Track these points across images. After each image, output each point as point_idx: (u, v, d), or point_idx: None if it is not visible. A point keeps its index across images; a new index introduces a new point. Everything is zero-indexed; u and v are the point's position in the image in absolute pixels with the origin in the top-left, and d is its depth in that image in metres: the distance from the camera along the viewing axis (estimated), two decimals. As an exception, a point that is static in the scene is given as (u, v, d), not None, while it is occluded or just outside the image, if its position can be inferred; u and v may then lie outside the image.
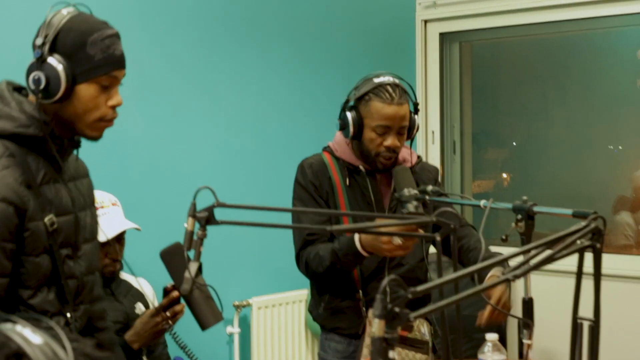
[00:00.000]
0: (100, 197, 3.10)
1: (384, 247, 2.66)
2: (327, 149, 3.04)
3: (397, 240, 2.62)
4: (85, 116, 2.12)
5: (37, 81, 2.06)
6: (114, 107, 2.14)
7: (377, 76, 2.89)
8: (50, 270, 2.10)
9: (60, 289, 2.13)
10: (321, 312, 2.98)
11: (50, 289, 2.11)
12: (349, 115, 2.88)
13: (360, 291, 2.90)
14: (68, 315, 2.16)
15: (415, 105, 2.98)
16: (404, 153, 3.01)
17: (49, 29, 2.07)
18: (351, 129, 2.88)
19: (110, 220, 3.07)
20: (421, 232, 2.45)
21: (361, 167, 2.95)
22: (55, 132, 2.11)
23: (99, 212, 3.06)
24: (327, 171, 2.95)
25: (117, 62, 2.12)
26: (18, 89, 2.16)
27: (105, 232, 3.04)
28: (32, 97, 2.10)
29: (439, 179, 3.14)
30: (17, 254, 2.04)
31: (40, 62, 2.06)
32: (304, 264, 2.91)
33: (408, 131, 2.93)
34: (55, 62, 2.06)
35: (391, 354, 1.25)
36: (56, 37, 2.06)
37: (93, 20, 2.11)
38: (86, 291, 2.23)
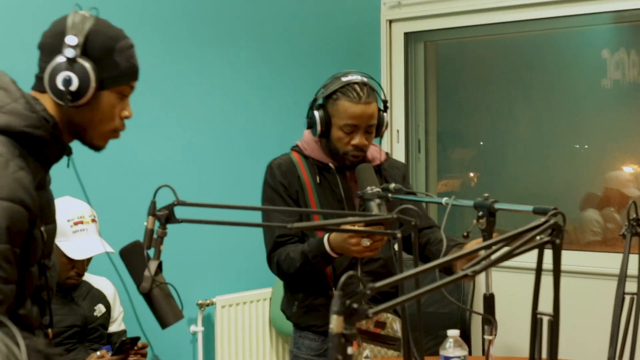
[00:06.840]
0: (82, 209, 3.06)
1: (353, 249, 2.65)
2: (295, 148, 3.03)
3: (366, 242, 2.61)
4: (100, 125, 2.04)
5: (67, 81, 1.93)
6: (123, 119, 2.09)
7: (346, 75, 2.90)
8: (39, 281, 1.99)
9: (42, 301, 2.03)
10: (295, 310, 2.96)
11: (33, 302, 2.00)
12: (316, 113, 2.88)
13: (333, 288, 2.87)
14: (49, 330, 2.08)
15: (385, 102, 2.99)
16: (372, 151, 3.01)
17: (77, 30, 1.95)
18: (319, 127, 2.88)
19: (87, 240, 3.03)
20: (384, 229, 2.45)
21: (330, 165, 2.95)
22: (60, 137, 2.01)
23: (78, 226, 3.02)
24: (296, 170, 2.95)
25: (136, 73, 2.08)
26: None
27: (81, 251, 3.01)
28: (45, 97, 1.98)
29: (408, 175, 3.15)
30: (19, 262, 1.90)
31: (70, 63, 1.94)
32: (275, 265, 2.90)
33: (377, 129, 2.93)
34: (87, 64, 1.95)
35: (350, 350, 1.24)
36: (86, 39, 1.96)
37: (114, 26, 2.04)
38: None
